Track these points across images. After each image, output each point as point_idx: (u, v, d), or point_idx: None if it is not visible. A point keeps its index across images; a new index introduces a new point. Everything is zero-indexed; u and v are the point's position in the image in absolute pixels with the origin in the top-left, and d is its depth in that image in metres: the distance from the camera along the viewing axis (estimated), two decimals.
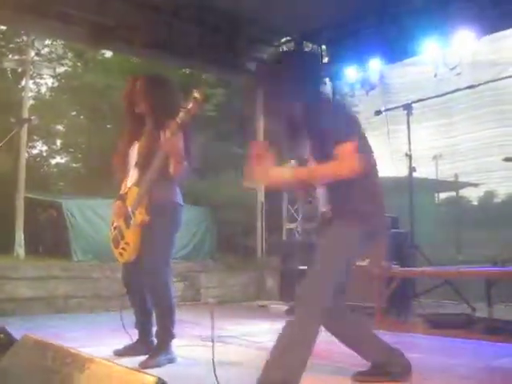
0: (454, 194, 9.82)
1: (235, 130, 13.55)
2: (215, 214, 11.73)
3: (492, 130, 7.32)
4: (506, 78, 6.04)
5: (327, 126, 2.93)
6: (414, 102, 6.10)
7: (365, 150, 3.03)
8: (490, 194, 9.44)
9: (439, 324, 4.97)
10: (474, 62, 6.99)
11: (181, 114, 3.48)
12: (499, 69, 6.54)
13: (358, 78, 7.89)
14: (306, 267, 3.42)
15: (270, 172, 2.91)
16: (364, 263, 5.44)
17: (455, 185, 9.09)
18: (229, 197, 12.58)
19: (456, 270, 5.41)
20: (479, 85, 6.11)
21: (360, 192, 2.98)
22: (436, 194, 10.89)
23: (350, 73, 7.79)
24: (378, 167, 3.18)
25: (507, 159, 5.94)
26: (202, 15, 7.19)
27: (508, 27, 6.58)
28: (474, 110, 7.39)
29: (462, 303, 5.88)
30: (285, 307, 6.58)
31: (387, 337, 3.26)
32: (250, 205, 9.99)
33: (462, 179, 8.49)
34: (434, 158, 8.64)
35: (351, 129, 2.99)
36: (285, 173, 2.98)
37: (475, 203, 9.98)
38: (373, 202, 3.06)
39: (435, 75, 6.99)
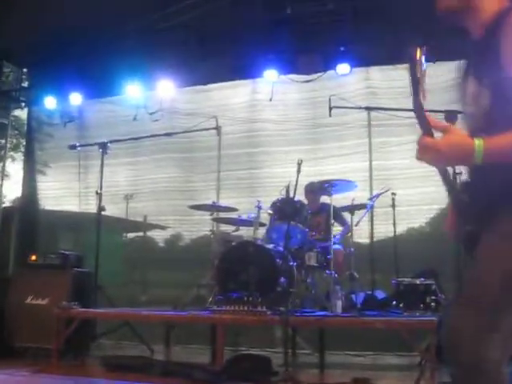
0: (141, 234, 9.96)
1: None
2: None
3: (179, 176, 7.71)
4: (198, 130, 6.38)
5: None
6: (111, 142, 6.10)
7: None
8: (175, 237, 9.80)
9: (118, 367, 4.88)
10: (172, 110, 7.33)
11: None
12: (194, 119, 6.93)
13: (58, 108, 7.66)
14: None
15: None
16: (42, 302, 5.15)
17: (144, 226, 9.23)
18: None
19: (135, 312, 5.45)
20: (177, 133, 6.38)
21: None
22: (125, 234, 10.93)
23: (50, 101, 7.51)
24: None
25: (192, 207, 6.29)
26: None
27: (210, 82, 7.06)
28: (166, 154, 7.70)
29: (142, 345, 5.91)
30: None
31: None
32: None
33: (150, 220, 8.68)
34: (125, 197, 8.70)
35: None
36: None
37: (162, 245, 10.27)
38: None
39: (135, 118, 7.13)
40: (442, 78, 6.10)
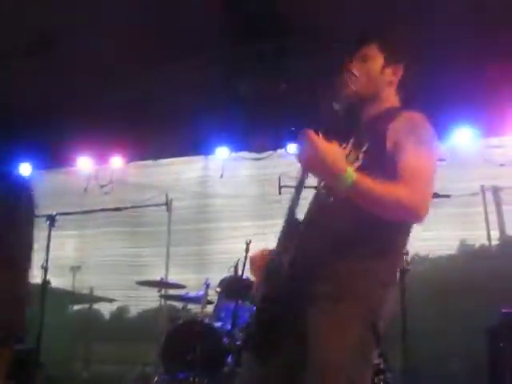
0: (87, 306, 9.76)
1: None
2: None
3: (127, 249, 7.66)
4: (149, 206, 6.37)
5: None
6: (60, 214, 6.02)
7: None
8: (122, 311, 9.63)
9: None
10: (123, 182, 7.34)
11: None
12: (145, 192, 6.97)
13: None
14: None
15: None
16: None
17: (90, 298, 9.06)
18: None
19: None
20: (126, 208, 6.36)
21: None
22: (70, 306, 10.69)
23: None
24: None
25: (140, 282, 6.19)
26: None
27: (161, 157, 7.13)
28: (116, 228, 7.66)
29: None
30: None
31: None
32: None
33: (96, 293, 8.54)
34: (72, 269, 8.57)
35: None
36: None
37: (108, 318, 10.09)
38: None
39: (85, 190, 7.11)
40: None
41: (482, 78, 5.20)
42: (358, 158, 2.13)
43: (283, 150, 6.54)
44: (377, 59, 2.31)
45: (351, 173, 1.91)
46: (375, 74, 2.32)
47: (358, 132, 2.31)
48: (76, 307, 10.77)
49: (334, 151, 1.94)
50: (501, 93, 5.21)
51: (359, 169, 2.01)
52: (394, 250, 2.19)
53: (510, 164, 5.92)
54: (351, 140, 2.31)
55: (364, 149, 2.12)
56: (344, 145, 2.29)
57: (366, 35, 2.38)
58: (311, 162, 1.97)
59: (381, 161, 2.06)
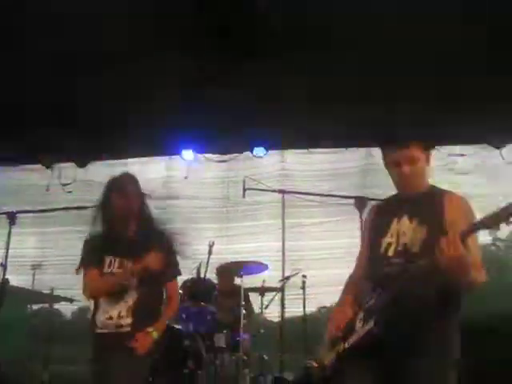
0: (47, 306, 9.62)
1: None
2: None
3: None
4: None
5: None
6: (19, 212, 5.91)
7: None
8: (83, 310, 9.53)
9: None
10: (86, 182, 7.25)
11: None
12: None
13: None
14: None
15: None
16: None
17: (50, 297, 8.93)
18: None
19: None
20: (87, 207, 6.27)
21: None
22: (29, 306, 10.53)
23: None
24: None
25: None
26: None
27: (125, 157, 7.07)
28: (78, 227, 7.53)
29: None
30: None
31: None
32: None
33: (57, 292, 8.42)
34: (32, 267, 8.43)
35: None
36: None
37: (69, 318, 9.97)
38: None
39: (47, 188, 7.02)
40: (352, 163, 6.43)
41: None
42: (424, 234, 2.62)
43: (249, 152, 6.54)
44: (421, 158, 2.75)
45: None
46: (425, 172, 2.81)
47: (404, 207, 2.78)
48: (35, 307, 10.61)
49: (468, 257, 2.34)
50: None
51: (426, 242, 2.56)
52: None
53: (470, 172, 6.03)
54: (405, 215, 2.74)
55: (427, 227, 2.62)
56: (397, 219, 2.75)
57: (407, 137, 2.76)
58: (456, 263, 2.31)
59: (439, 235, 2.44)
